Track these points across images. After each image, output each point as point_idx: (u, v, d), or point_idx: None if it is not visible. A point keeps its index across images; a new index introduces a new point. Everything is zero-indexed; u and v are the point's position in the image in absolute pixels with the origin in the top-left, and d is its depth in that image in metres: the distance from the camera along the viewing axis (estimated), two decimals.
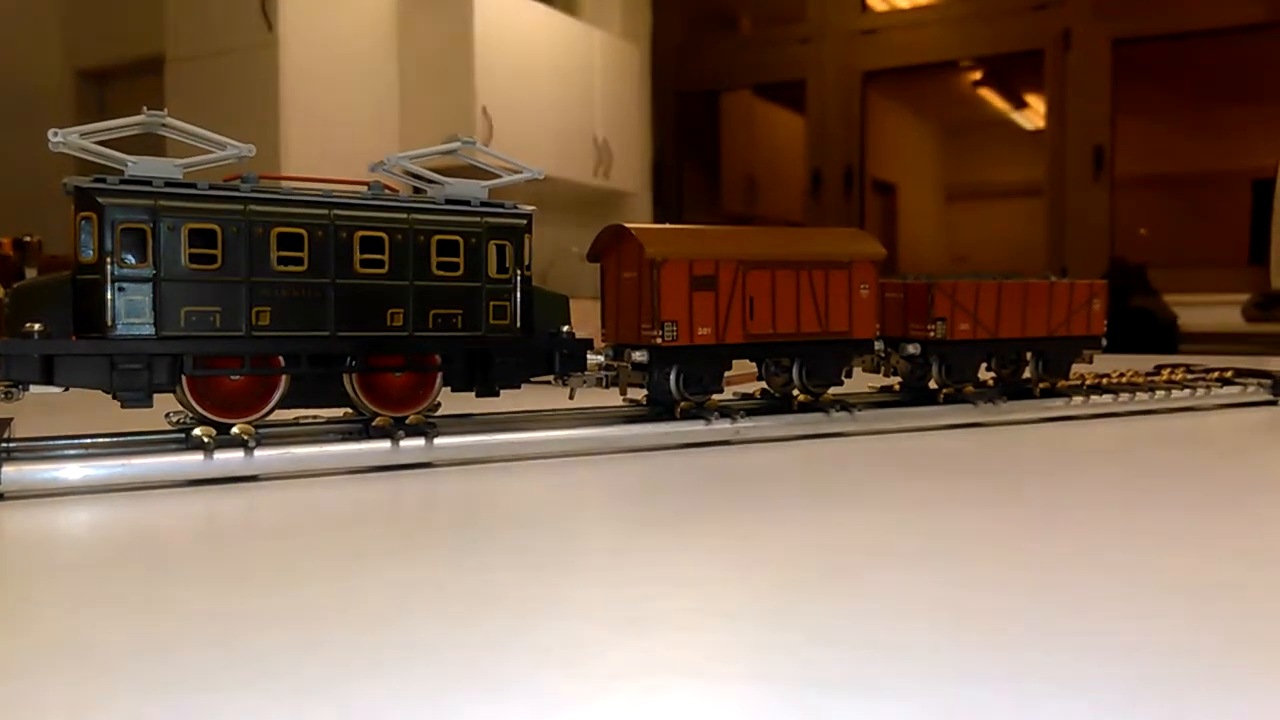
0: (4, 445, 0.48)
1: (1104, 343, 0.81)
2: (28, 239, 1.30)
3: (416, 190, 0.59)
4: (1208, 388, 0.85)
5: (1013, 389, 0.78)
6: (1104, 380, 0.83)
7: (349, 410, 0.56)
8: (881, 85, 3.55)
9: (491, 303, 0.56)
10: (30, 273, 1.25)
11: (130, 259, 0.48)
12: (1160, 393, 0.82)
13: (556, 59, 3.11)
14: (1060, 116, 3.15)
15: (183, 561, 0.37)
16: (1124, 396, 0.80)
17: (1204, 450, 0.66)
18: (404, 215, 0.54)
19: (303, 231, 0.51)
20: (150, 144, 0.48)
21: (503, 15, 2.86)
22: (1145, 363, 1.00)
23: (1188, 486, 0.53)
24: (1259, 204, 2.74)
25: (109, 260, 0.48)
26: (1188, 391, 0.84)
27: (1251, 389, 0.87)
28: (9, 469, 0.46)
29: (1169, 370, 0.90)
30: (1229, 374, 0.89)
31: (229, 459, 0.50)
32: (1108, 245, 3.05)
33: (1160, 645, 0.27)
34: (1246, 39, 2.90)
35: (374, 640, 0.27)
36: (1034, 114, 3.40)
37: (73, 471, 0.47)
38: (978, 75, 3.54)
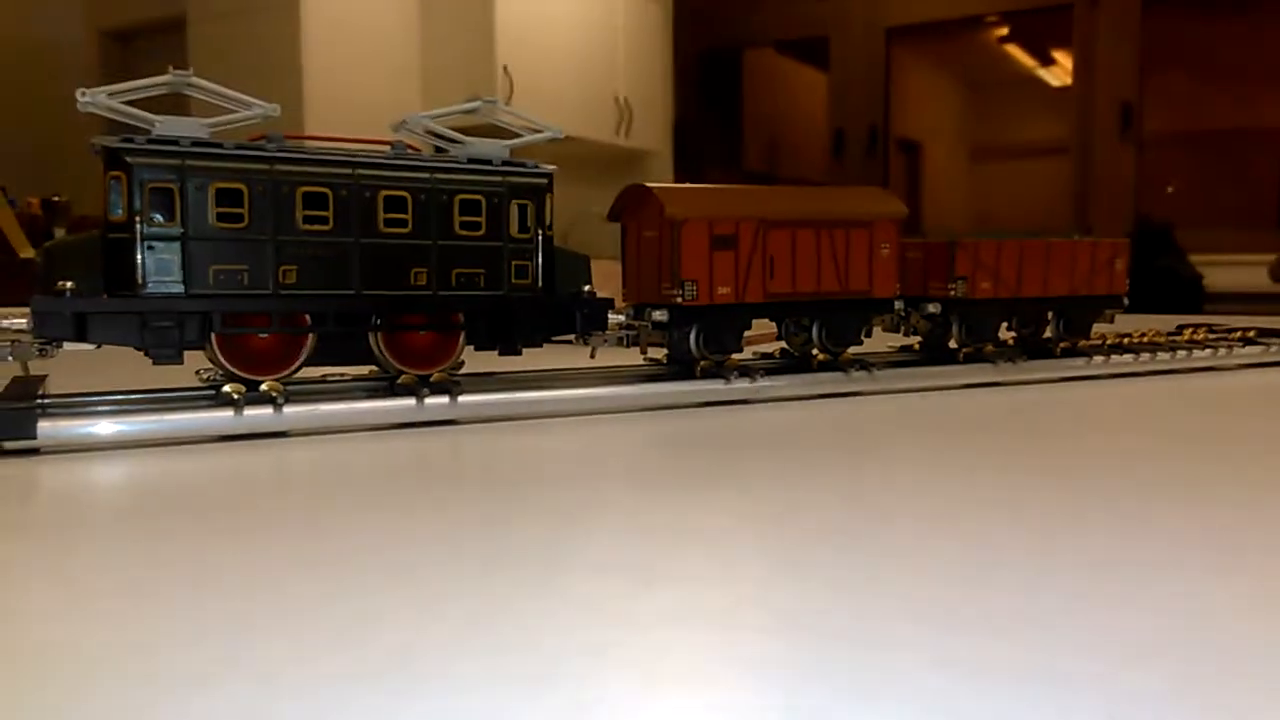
0: (39, 401, 0.49)
1: (1126, 302, 0.80)
2: (56, 199, 1.31)
3: (438, 149, 0.59)
4: (1229, 347, 0.85)
5: (1033, 348, 0.78)
6: (1125, 340, 0.83)
7: (374, 368, 0.57)
8: (906, 42, 3.50)
9: (514, 262, 0.57)
10: (59, 232, 1.27)
11: (159, 218, 0.49)
12: (1181, 352, 0.82)
13: (578, 17, 3.08)
14: (1088, 73, 3.09)
15: (216, 514, 0.38)
16: (1144, 356, 0.80)
17: (1224, 409, 0.66)
18: (427, 175, 0.54)
19: (327, 191, 0.52)
20: (173, 103, 0.49)
21: None
22: (1169, 323, 1.00)
23: (1207, 444, 0.53)
24: None
25: (138, 219, 0.48)
26: (1209, 351, 0.83)
27: (1274, 349, 0.87)
28: (45, 424, 0.47)
29: (1191, 330, 0.89)
30: (1251, 334, 0.89)
31: (258, 415, 0.51)
32: (1134, 204, 3.01)
33: (1190, 605, 0.28)
34: None
35: (400, 589, 0.28)
36: (1061, 71, 3.34)
37: (106, 427, 0.49)
38: (1004, 31, 3.48)
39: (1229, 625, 0.25)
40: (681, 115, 3.71)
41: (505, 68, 2.69)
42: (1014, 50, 3.54)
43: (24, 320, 0.49)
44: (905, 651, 0.23)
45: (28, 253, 1.17)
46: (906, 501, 0.39)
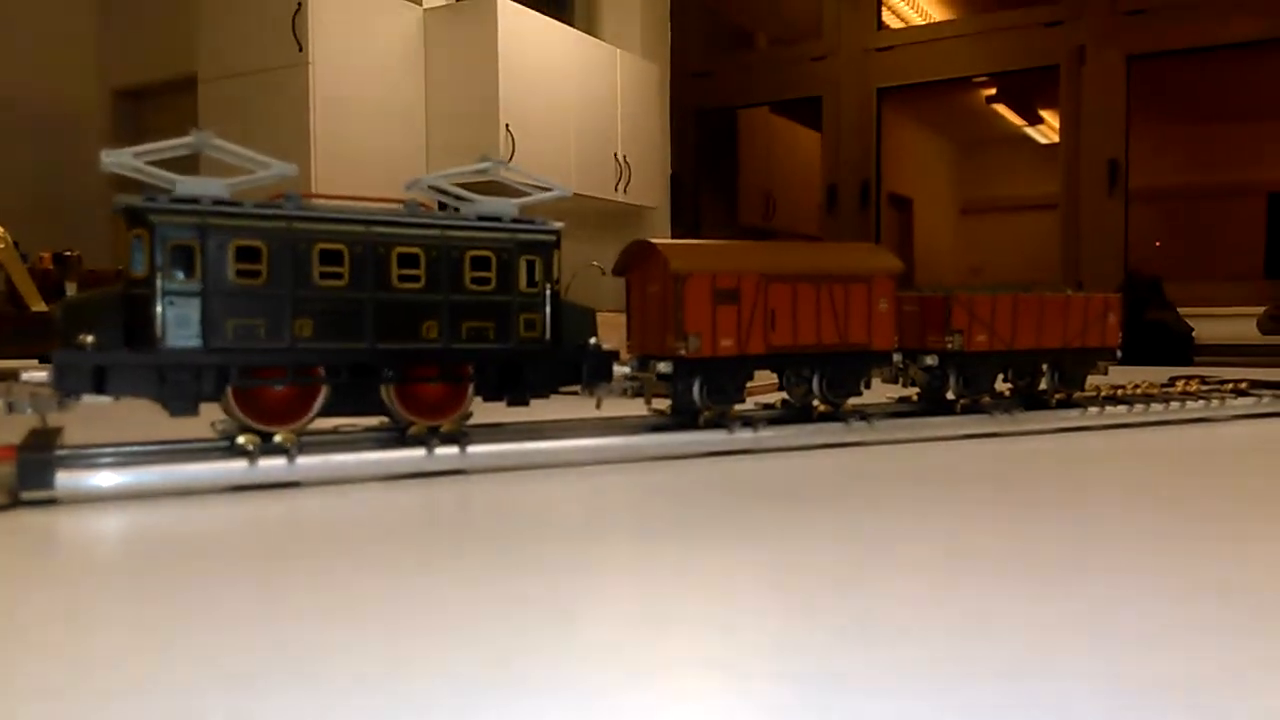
0: (57, 453, 0.50)
1: (1119, 354, 0.82)
2: (68, 253, 1.33)
3: (442, 206, 0.61)
4: (1222, 399, 0.86)
5: (1029, 400, 0.79)
6: (1119, 391, 0.84)
7: (385, 419, 0.58)
8: (897, 101, 3.57)
9: (522, 315, 0.58)
10: (70, 287, 1.28)
11: (179, 274, 0.50)
12: (1174, 404, 0.83)
13: (578, 78, 3.14)
14: (1075, 131, 3.15)
15: (233, 563, 0.38)
16: (1138, 407, 0.81)
17: (1217, 461, 0.67)
18: (438, 232, 0.56)
19: (343, 248, 0.53)
20: (183, 161, 0.50)
21: (525, 36, 2.90)
22: (1161, 375, 1.01)
23: (1201, 495, 0.54)
24: (1274, 217, 2.74)
25: (159, 275, 0.50)
26: (1202, 403, 0.85)
27: (1266, 400, 0.88)
28: (62, 475, 0.48)
29: (1183, 382, 0.91)
30: (1243, 385, 0.90)
31: (272, 465, 0.52)
32: (1123, 258, 3.05)
33: (1187, 652, 0.28)
34: (1262, 53, 2.91)
35: (413, 637, 0.29)
36: (1048, 129, 3.40)
37: (123, 477, 0.49)
38: (992, 91, 3.56)
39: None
40: (678, 172, 3.77)
41: (507, 126, 2.73)
42: (1002, 109, 3.61)
43: (42, 373, 0.50)
44: (910, 699, 0.24)
45: (39, 306, 1.18)
46: (910, 550, 0.40)
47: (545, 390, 0.60)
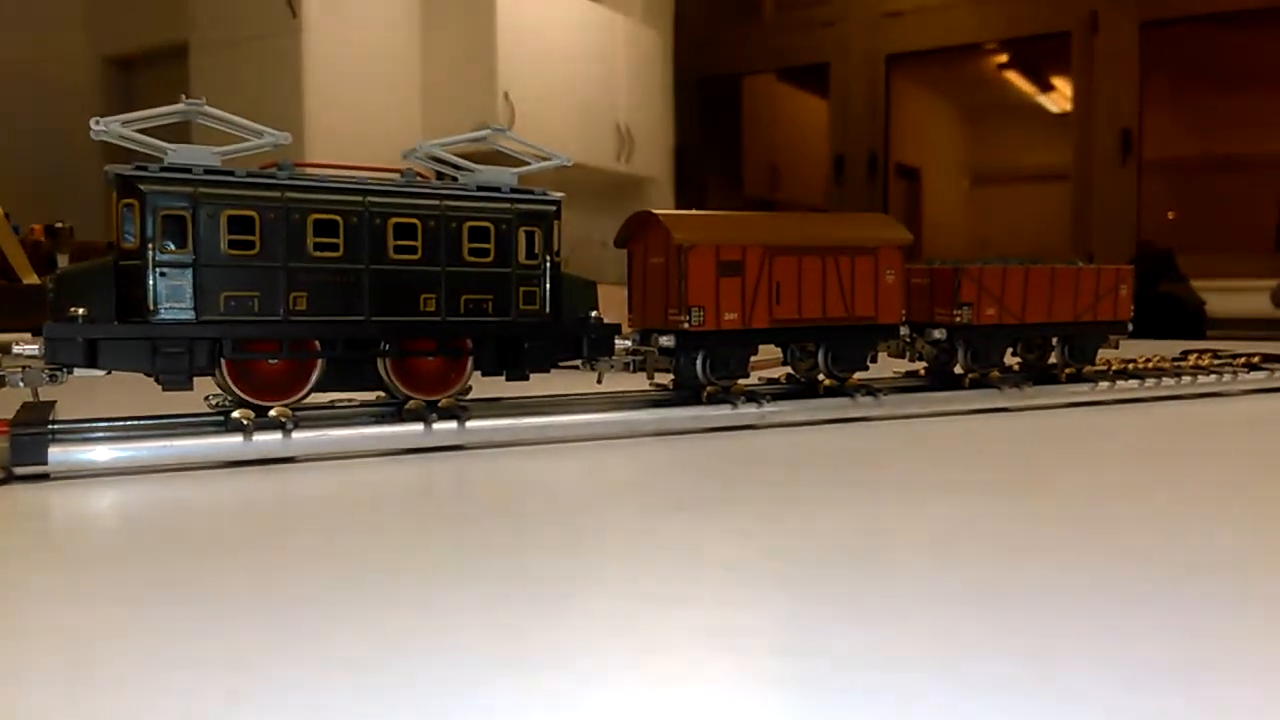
0: (49, 427, 0.49)
1: (1130, 328, 0.81)
2: (59, 225, 1.32)
3: (440, 176, 0.59)
4: (1234, 373, 0.85)
5: (1038, 374, 0.78)
6: (1130, 365, 0.83)
7: (382, 394, 0.57)
8: (905, 68, 3.53)
9: (521, 288, 0.57)
10: (62, 259, 1.27)
11: (171, 245, 0.49)
12: (1186, 378, 0.82)
13: (579, 45, 3.10)
14: (1087, 99, 3.11)
15: (226, 539, 0.38)
16: (1150, 382, 0.80)
17: (1231, 436, 0.66)
18: (436, 202, 0.55)
19: (338, 218, 0.52)
20: (176, 130, 0.49)
21: (525, 1, 2.85)
22: (1172, 348, 1.00)
23: (1214, 471, 0.53)
24: None
25: (150, 246, 0.49)
26: (1214, 377, 0.83)
27: (1279, 374, 0.87)
28: (55, 450, 0.47)
29: (1195, 355, 0.89)
30: (1256, 359, 0.89)
31: (267, 441, 0.51)
32: (1135, 230, 3.02)
33: (1191, 635, 0.28)
34: (1276, 21, 2.86)
35: (411, 616, 0.28)
36: (1060, 97, 3.36)
37: (116, 452, 0.49)
38: (1003, 58, 3.51)
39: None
40: (682, 141, 3.73)
41: (506, 94, 2.70)
42: (1013, 77, 3.56)
43: (34, 346, 0.49)
44: (910, 671, 0.23)
45: (31, 279, 1.18)
46: (914, 527, 0.39)
47: (545, 364, 0.59)
